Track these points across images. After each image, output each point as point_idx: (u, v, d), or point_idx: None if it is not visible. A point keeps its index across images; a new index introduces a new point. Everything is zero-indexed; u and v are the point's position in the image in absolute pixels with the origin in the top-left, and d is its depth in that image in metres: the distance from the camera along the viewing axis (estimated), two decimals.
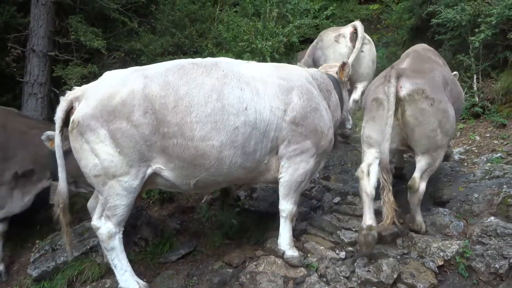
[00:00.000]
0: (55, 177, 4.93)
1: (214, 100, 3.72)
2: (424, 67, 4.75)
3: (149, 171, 3.81)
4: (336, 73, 4.90)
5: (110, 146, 3.62)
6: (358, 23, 6.81)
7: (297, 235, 5.00)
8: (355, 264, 4.31)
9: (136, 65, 7.40)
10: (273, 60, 5.56)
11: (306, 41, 9.34)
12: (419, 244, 4.53)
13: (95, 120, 3.60)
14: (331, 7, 6.09)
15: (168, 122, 3.65)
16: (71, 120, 3.69)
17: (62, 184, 3.86)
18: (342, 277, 4.16)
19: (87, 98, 3.70)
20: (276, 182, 4.33)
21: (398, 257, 4.45)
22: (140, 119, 3.59)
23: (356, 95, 6.90)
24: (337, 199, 5.78)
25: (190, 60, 4.11)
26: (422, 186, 4.56)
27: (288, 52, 6.13)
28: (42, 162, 5.00)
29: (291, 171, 4.19)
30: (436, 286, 4.02)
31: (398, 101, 4.27)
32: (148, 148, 3.69)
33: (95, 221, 3.98)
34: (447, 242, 4.44)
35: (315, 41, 7.43)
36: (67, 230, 4.00)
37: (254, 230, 5.34)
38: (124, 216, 3.90)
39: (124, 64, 7.54)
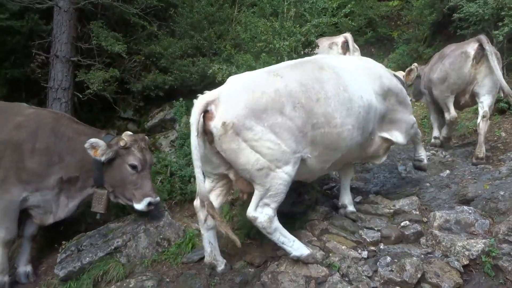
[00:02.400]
0: (98, 185, 5.11)
1: (342, 91, 4.30)
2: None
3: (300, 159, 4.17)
4: (403, 76, 5.71)
5: (269, 140, 3.90)
6: (348, 35, 8.01)
7: (318, 235, 4.98)
8: (378, 263, 4.27)
9: (156, 68, 7.55)
10: (291, 59, 5.55)
11: None
12: (443, 243, 4.45)
13: (249, 119, 3.85)
14: (349, 5, 6.03)
15: (316, 114, 4.10)
16: (222, 123, 3.83)
17: (201, 185, 3.92)
18: (364, 277, 4.12)
19: (228, 101, 3.92)
20: (371, 157, 5.26)
21: (422, 256, 4.38)
22: (291, 113, 3.96)
23: None
24: (358, 198, 5.74)
25: (301, 60, 4.69)
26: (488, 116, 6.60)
27: (306, 51, 6.12)
28: (87, 169, 5.06)
29: (397, 127, 5.10)
30: (461, 286, 3.94)
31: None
32: (302, 139, 4.07)
33: (252, 213, 4.14)
34: (472, 241, 4.35)
35: None
36: (223, 222, 4.07)
37: None
38: (281, 201, 4.21)
39: (144, 68, 7.66)
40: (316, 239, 4.90)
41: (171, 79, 7.32)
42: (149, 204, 5.00)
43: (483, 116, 6.51)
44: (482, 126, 6.52)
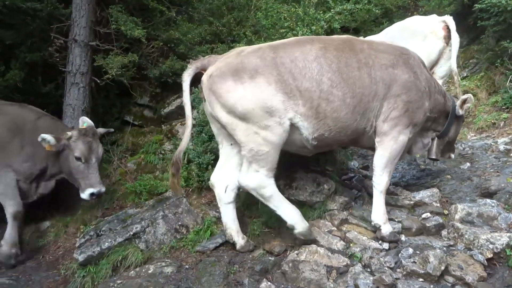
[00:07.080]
0: (440, 136, 5.20)
1: None
2: None
3: None
4: None
5: None
6: None
7: (338, 225, 4.95)
8: (400, 255, 4.24)
9: (174, 54, 7.47)
10: None
11: (342, 28, 9.17)
12: (466, 236, 4.40)
13: None
14: None
15: None
16: None
17: None
18: (386, 268, 4.08)
19: None
20: None
21: (444, 248, 4.33)
22: None
23: None
24: None
25: None
26: None
27: None
28: (438, 116, 5.15)
29: None
30: (485, 279, 3.90)
31: None
32: None
33: None
34: (496, 234, 4.30)
35: None
36: None
37: None
38: None
39: (162, 54, 7.62)
40: (336, 229, 4.87)
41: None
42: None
43: None
44: None
